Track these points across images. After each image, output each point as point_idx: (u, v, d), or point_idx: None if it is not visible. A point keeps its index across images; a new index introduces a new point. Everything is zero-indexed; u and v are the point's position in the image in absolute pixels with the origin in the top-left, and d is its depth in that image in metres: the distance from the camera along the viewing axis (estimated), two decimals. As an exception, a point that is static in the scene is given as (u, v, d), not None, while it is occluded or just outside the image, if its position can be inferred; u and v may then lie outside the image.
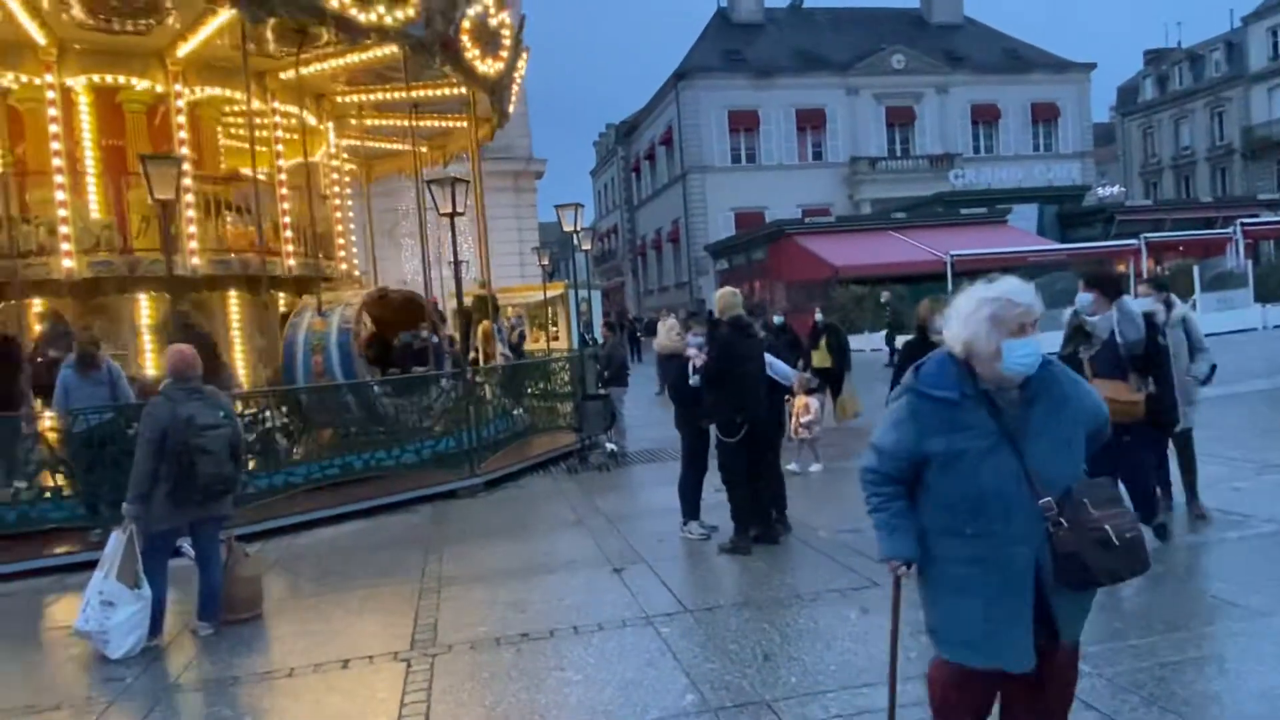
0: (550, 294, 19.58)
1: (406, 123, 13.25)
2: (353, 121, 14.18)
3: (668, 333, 7.30)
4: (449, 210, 10.10)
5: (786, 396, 7.48)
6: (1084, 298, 5.50)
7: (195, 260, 10.52)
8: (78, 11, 9.32)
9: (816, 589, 5.29)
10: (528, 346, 18.52)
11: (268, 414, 9.18)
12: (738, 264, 37.74)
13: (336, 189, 14.27)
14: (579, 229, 13.94)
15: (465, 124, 13.71)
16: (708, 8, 69.94)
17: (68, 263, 9.84)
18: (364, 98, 13.20)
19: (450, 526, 8.01)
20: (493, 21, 10.73)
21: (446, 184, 10.17)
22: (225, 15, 9.16)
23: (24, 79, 10.35)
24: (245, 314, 11.64)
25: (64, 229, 9.85)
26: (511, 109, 13.23)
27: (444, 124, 14.39)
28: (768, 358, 6.60)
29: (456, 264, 10.79)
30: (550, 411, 12.63)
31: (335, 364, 10.44)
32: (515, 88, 12.82)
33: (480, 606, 5.48)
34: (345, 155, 15.08)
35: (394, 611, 5.54)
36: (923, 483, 2.48)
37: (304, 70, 11.16)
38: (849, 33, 44.29)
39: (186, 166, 10.29)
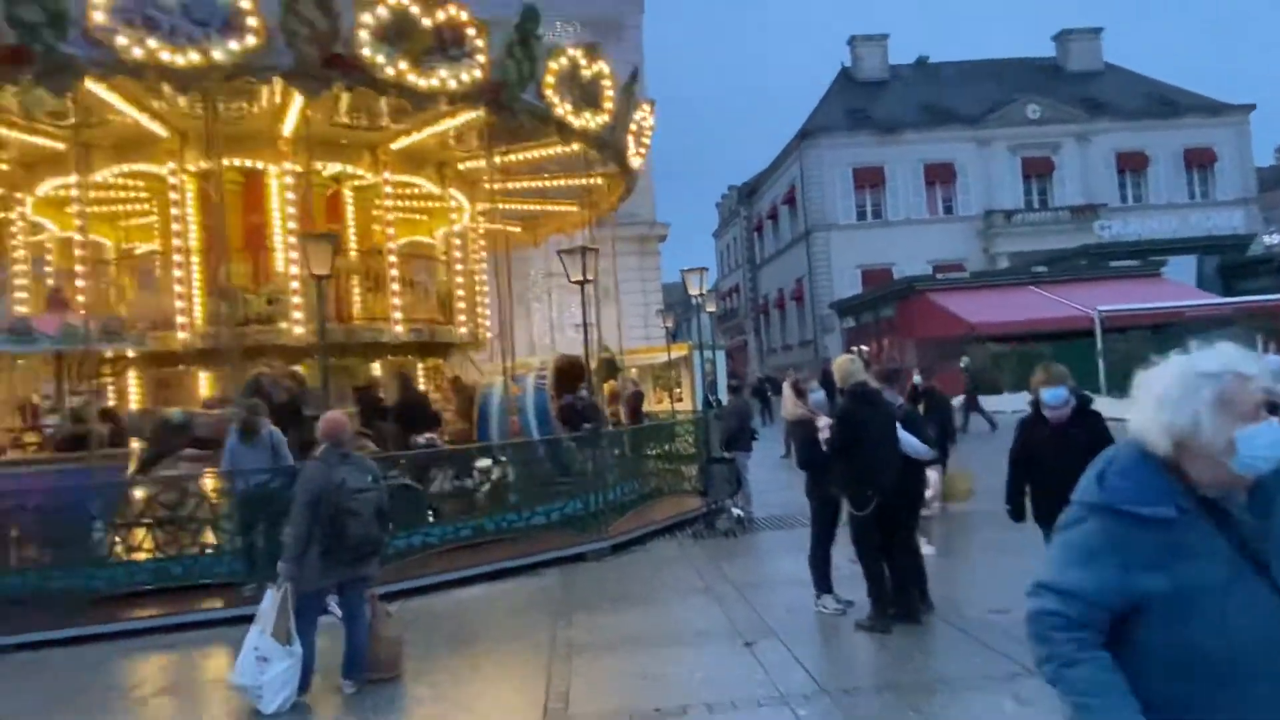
0: (674, 355, 19.72)
1: (542, 182, 13.91)
2: (487, 188, 14.91)
3: (791, 397, 7.17)
4: (580, 278, 10.39)
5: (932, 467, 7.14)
6: (1274, 360, 5.04)
7: (299, 330, 11.27)
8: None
9: (965, 674, 4.98)
10: (651, 408, 18.64)
11: (495, 466, 9.82)
12: (865, 322, 36.97)
13: (473, 255, 15.00)
14: (704, 292, 14.03)
15: (599, 180, 14.29)
16: (830, 68, 70.33)
17: (298, 329, 10.77)
18: (482, 163, 13.84)
19: (579, 591, 8.04)
20: (585, 74, 10.82)
21: (577, 253, 10.49)
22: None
23: (260, 165, 11.59)
24: (387, 376, 12.45)
25: (295, 299, 10.83)
26: (638, 164, 13.52)
27: (574, 182, 14.96)
28: (899, 431, 6.32)
29: (586, 328, 11.05)
30: (675, 474, 12.61)
31: (533, 425, 11.22)
32: (639, 143, 13.07)
33: (611, 676, 5.44)
34: (480, 220, 15.88)
35: (526, 679, 5.58)
36: (1126, 642, 1.76)
37: (409, 140, 11.90)
38: (978, 85, 43.36)
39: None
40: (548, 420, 11.36)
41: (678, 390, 19.89)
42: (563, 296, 17.10)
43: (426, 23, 9.00)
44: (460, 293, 14.20)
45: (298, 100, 9.90)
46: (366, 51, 8.69)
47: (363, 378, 12.23)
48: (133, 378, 12.03)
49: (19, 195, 12.20)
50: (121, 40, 7.81)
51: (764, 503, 11.73)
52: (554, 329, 16.10)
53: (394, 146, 12.16)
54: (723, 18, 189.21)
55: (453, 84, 9.29)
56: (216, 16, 8.06)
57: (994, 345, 25.71)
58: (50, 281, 10.74)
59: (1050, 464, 4.80)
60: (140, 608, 7.76)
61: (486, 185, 14.56)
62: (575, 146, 11.74)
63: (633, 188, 14.79)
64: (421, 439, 10.52)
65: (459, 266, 14.96)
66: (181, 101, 9.99)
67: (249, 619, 5.52)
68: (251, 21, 8.16)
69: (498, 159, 12.48)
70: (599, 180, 13.95)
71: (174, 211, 11.15)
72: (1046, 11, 72.81)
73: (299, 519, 5.31)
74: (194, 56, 8.03)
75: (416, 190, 13.73)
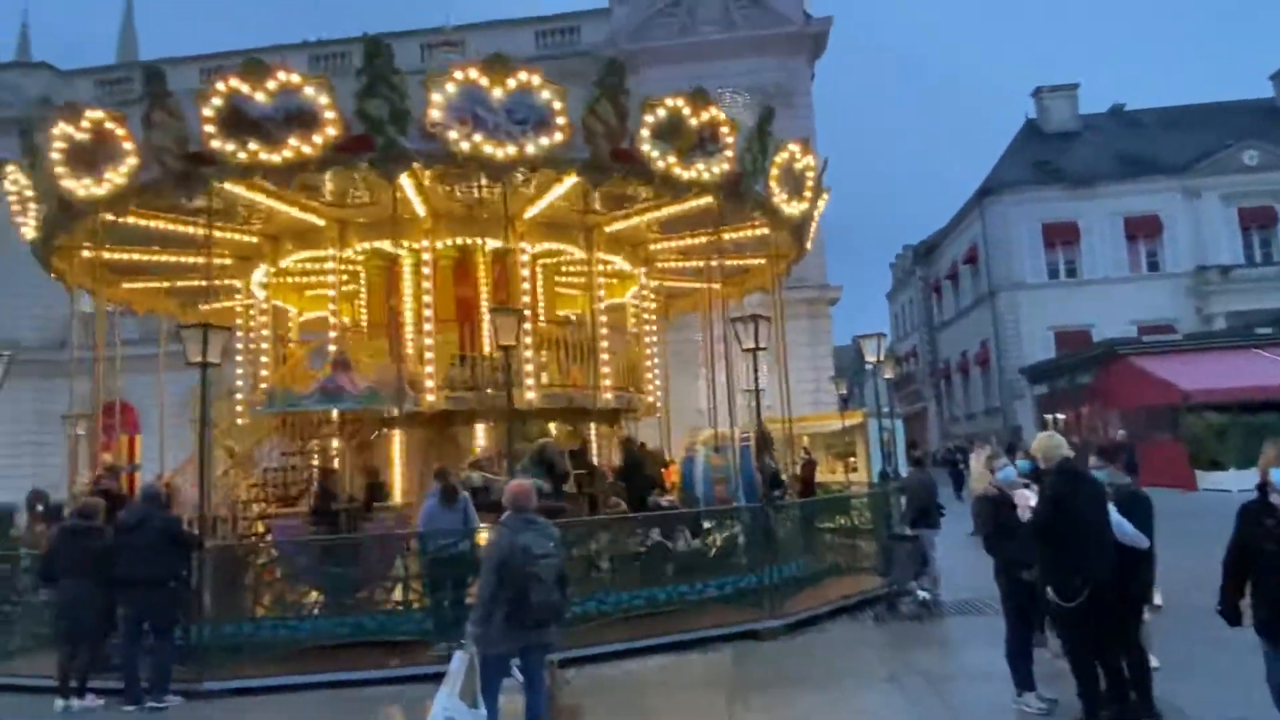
0: (848, 423, 19.13)
1: (709, 263, 14.07)
2: (659, 264, 15.29)
3: (980, 469, 6.72)
4: (751, 346, 10.36)
5: None
6: None
7: (530, 395, 11.85)
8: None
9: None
10: (823, 478, 18.08)
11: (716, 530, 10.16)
12: (1060, 388, 34.36)
13: (646, 326, 15.31)
14: (881, 358, 13.58)
15: (764, 260, 14.33)
16: (1011, 121, 67.54)
17: (430, 397, 11.47)
18: (674, 243, 14.23)
19: (753, 671, 7.80)
20: (798, 165, 11.28)
21: (749, 321, 10.48)
22: (569, 182, 10.53)
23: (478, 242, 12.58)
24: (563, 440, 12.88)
25: (429, 369, 11.54)
26: (810, 244, 13.53)
27: (744, 262, 15.04)
28: (1114, 515, 5.71)
29: (757, 396, 10.95)
30: (851, 551, 12.08)
31: (741, 492, 11.50)
32: (814, 224, 13.17)
33: (788, 769, 5.19)
34: (650, 294, 16.23)
35: (700, 762, 5.43)
36: None
37: (628, 223, 12.42)
38: (1183, 132, 40.06)
39: (526, 312, 11.74)
40: (754, 490, 11.34)
41: (852, 460, 19.23)
42: (729, 362, 17.11)
43: (693, 122, 10.06)
44: (604, 359, 14.40)
45: (560, 188, 10.91)
46: (645, 147, 9.81)
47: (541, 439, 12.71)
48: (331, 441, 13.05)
49: (254, 266, 13.73)
50: (452, 135, 8.92)
51: (952, 585, 10.96)
52: (720, 395, 16.06)
53: (609, 229, 12.90)
54: (895, 77, 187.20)
55: (706, 176, 10.18)
56: (533, 116, 9.12)
57: (1213, 415, 23.14)
58: (333, 348, 12.00)
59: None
60: (336, 660, 8.28)
61: (659, 263, 15.05)
62: (765, 230, 12.30)
63: (805, 241, 14.59)
64: (664, 500, 11.23)
65: (633, 333, 15.33)
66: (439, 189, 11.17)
67: (435, 677, 5.73)
68: (560, 120, 9.21)
69: (704, 238, 12.93)
70: (762, 260, 14.08)
71: (425, 284, 12.06)
72: (1261, 51, 66.77)
73: (486, 583, 5.47)
74: (510, 150, 9.12)
75: (568, 257, 14.17)
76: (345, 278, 13.39)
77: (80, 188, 9.48)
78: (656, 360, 15.98)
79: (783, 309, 13.42)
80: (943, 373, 49.97)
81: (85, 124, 9.31)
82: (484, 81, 8.95)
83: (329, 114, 8.70)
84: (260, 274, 13.42)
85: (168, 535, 7.91)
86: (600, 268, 13.61)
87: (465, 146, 8.96)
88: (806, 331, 26.38)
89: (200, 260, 12.69)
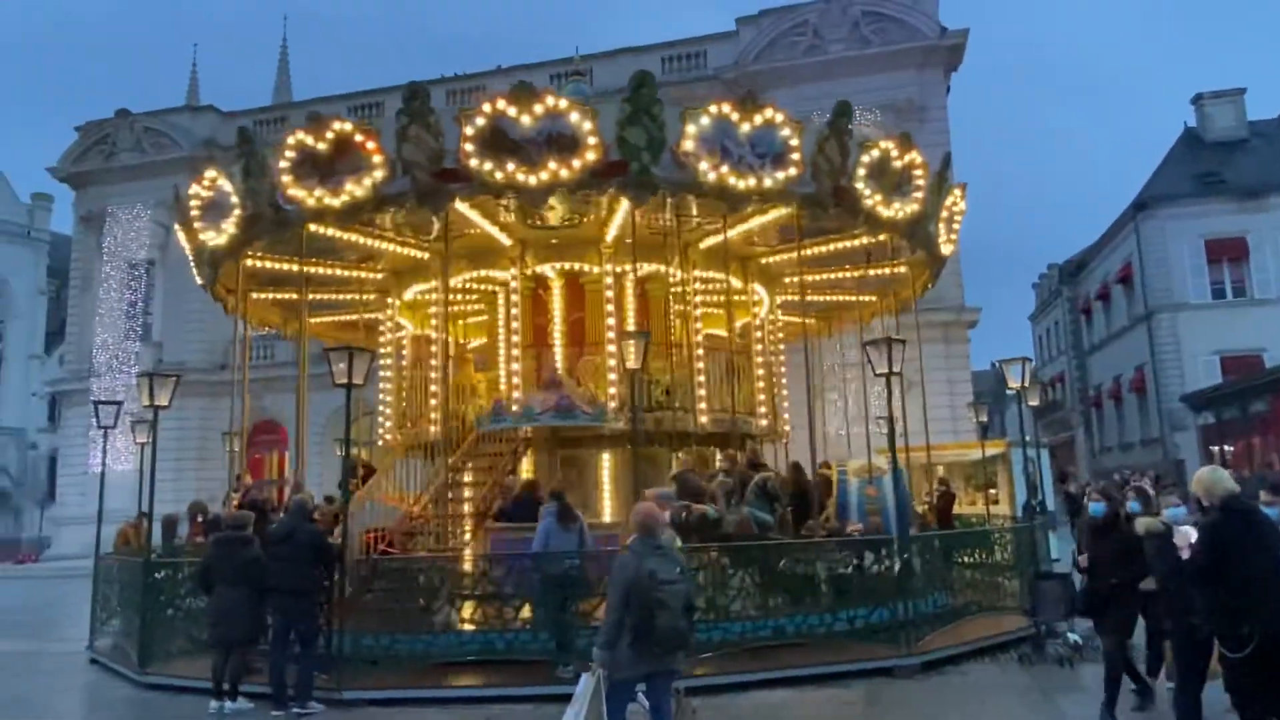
0: (990, 452, 18.12)
1: (843, 279, 13.81)
2: (786, 280, 15.03)
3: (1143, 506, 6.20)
4: (885, 370, 9.95)
5: None
6: None
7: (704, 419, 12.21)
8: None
9: None
10: (963, 510, 17.17)
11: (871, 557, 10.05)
12: (1228, 418, 31.50)
13: (774, 349, 15.10)
14: (1026, 385, 12.79)
15: (899, 277, 13.86)
16: (1167, 131, 63.12)
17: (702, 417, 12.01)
18: (786, 257, 13.94)
19: (887, 711, 7.42)
20: (896, 164, 10.73)
21: (883, 344, 10.08)
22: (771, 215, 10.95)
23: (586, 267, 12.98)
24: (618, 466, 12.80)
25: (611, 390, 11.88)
26: (948, 250, 12.96)
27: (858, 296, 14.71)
28: None
29: (892, 423, 10.50)
30: (993, 588, 11.36)
31: (893, 522, 11.08)
32: (949, 229, 12.57)
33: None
34: (779, 316, 15.99)
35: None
36: None
37: (715, 238, 12.35)
38: (1372, 135, 36.33)
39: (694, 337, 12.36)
40: (908, 519, 10.99)
41: (993, 492, 18.18)
42: (860, 388, 16.59)
43: (897, 164, 10.51)
44: (760, 384, 14.32)
45: (758, 220, 11.30)
46: (859, 185, 10.25)
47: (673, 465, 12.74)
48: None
49: (389, 299, 14.43)
50: (702, 165, 9.36)
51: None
52: (850, 421, 15.55)
53: (702, 246, 12.80)
54: (1038, 86, 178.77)
55: (900, 215, 10.21)
56: (773, 151, 9.61)
57: None
58: (557, 370, 12.56)
59: None
60: (463, 676, 8.43)
61: (787, 279, 14.77)
62: (882, 237, 11.64)
63: (939, 274, 14.15)
64: (850, 528, 11.47)
65: (759, 359, 15.13)
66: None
67: (563, 698, 5.70)
68: (795, 155, 9.69)
69: (805, 252, 12.65)
70: (902, 269, 13.56)
71: (608, 306, 12.41)
72: None
73: (612, 607, 5.43)
74: (750, 182, 9.52)
75: (719, 285, 14.20)
76: (483, 301, 13.88)
77: (311, 197, 9.74)
78: (785, 383, 15.73)
79: (918, 332, 12.92)
80: (1093, 400, 46.80)
81: (330, 135, 9.52)
82: (734, 116, 9.38)
83: (591, 139, 9.11)
84: (411, 293, 13.94)
85: (314, 547, 8.31)
86: (735, 295, 13.63)
87: (712, 177, 9.35)
88: (942, 356, 25.29)
89: (353, 275, 13.46)
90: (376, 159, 9.43)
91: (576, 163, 9.13)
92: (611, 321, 12.22)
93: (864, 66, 27.13)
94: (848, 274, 14.08)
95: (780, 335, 15.89)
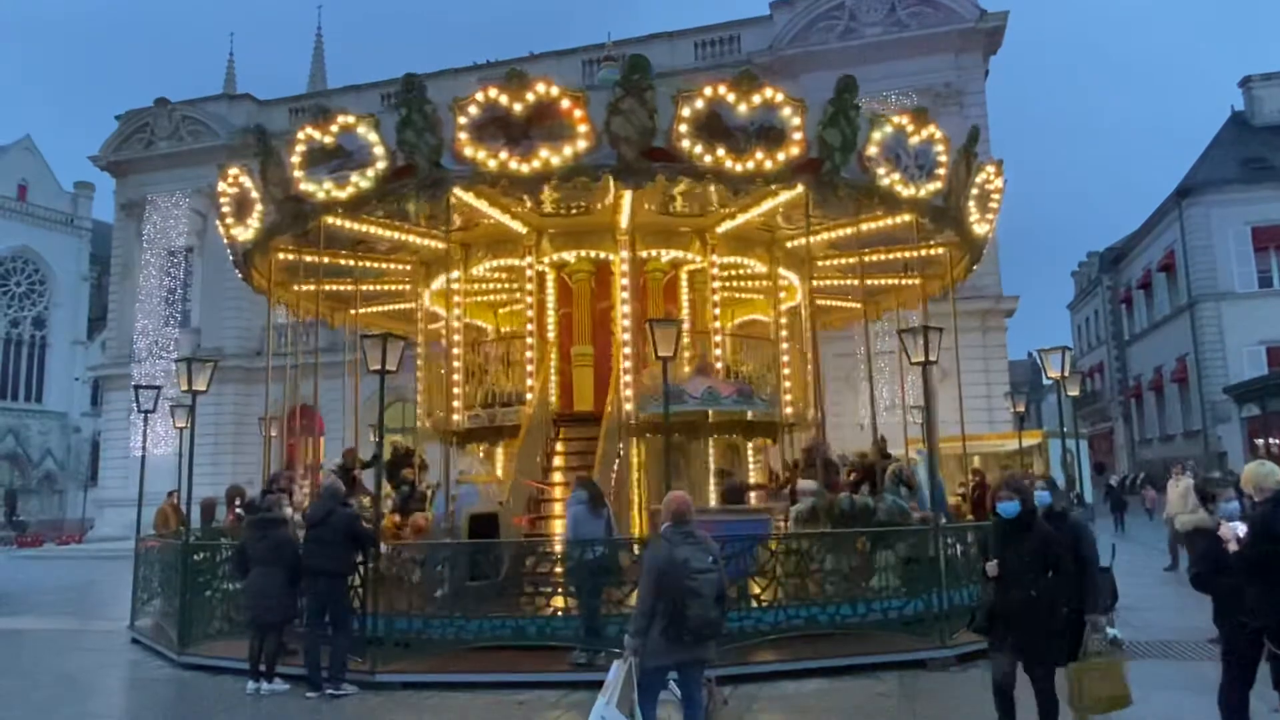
0: (1027, 443, 17.84)
1: (877, 263, 13.63)
2: (819, 265, 14.86)
3: (1182, 500, 6.04)
4: (921, 359, 9.79)
5: None
6: None
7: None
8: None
9: None
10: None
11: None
12: (1273, 410, 30.71)
13: (807, 337, 14.92)
14: (1066, 374, 12.53)
15: (938, 262, 13.64)
16: (1212, 115, 61.45)
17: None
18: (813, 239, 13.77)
19: (922, 704, 7.31)
20: (914, 140, 10.56)
21: (919, 332, 9.91)
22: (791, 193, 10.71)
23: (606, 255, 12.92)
24: (719, 453, 12.81)
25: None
26: (984, 230, 12.72)
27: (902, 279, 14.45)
28: None
29: (928, 412, 10.35)
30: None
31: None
32: (984, 208, 12.38)
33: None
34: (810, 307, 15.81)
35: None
36: None
37: (733, 222, 12.33)
38: None
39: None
40: (945, 509, 11.07)
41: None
42: (894, 376, 16.37)
43: (913, 140, 10.23)
44: (787, 371, 14.19)
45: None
46: (871, 164, 9.97)
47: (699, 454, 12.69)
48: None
49: (419, 289, 14.51)
50: (697, 149, 9.22)
51: (1143, 623, 9.96)
52: (884, 410, 15.35)
53: (720, 230, 12.67)
54: (1078, 69, 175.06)
55: (921, 194, 9.93)
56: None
57: None
58: (693, 355, 12.90)
59: None
60: (498, 661, 8.46)
61: (819, 262, 14.57)
62: (906, 217, 11.37)
63: (979, 258, 13.84)
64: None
65: (785, 345, 14.97)
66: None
67: (594, 684, 5.70)
68: (797, 135, 9.43)
69: (826, 234, 12.46)
70: (940, 251, 13.27)
71: (623, 295, 12.27)
72: None
73: (644, 595, 5.41)
74: (750, 165, 9.42)
75: (746, 271, 14.07)
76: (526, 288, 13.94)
77: (320, 190, 9.87)
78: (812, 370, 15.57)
79: (955, 320, 12.69)
80: (1133, 391, 45.92)
81: (335, 128, 9.64)
82: (731, 97, 9.24)
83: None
84: (439, 283, 14.00)
85: (348, 530, 8.38)
86: (765, 282, 13.57)
87: (708, 160, 9.27)
88: (978, 346, 24.90)
89: (384, 266, 13.54)
90: (379, 150, 9.51)
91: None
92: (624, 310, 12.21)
93: (900, 50, 26.69)
94: (881, 257, 13.80)
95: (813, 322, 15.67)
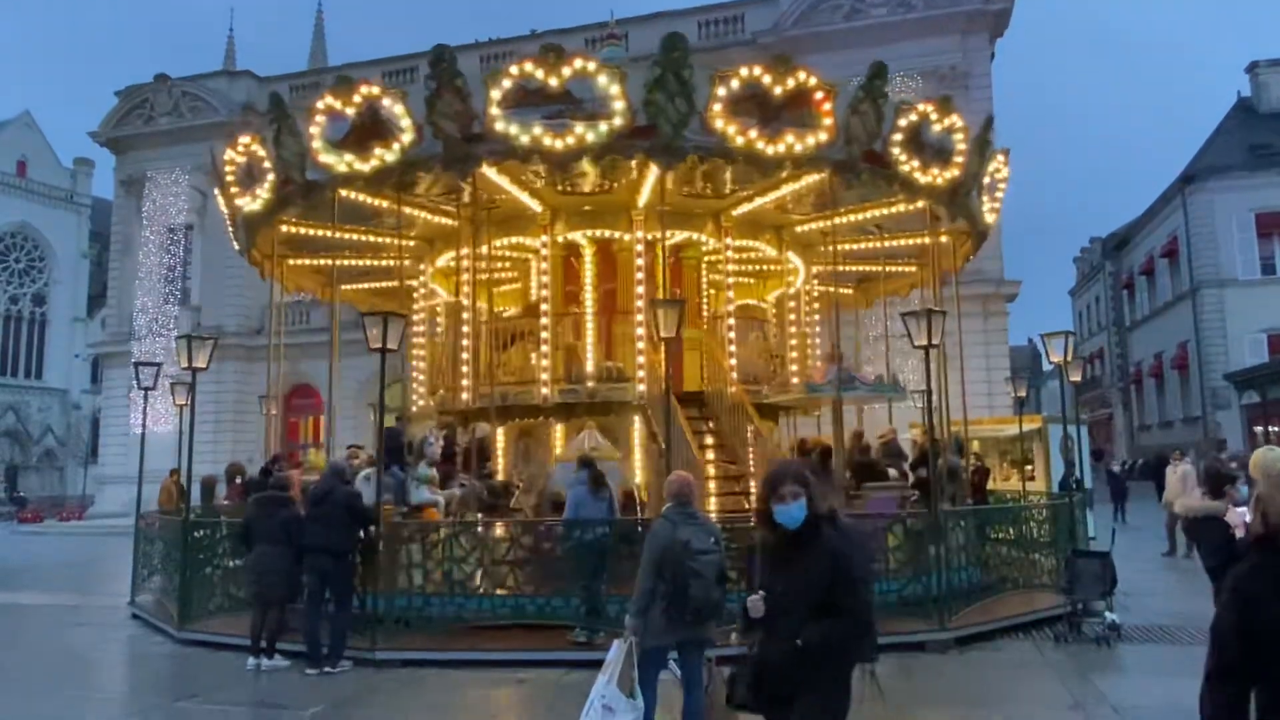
0: (1027, 427, 17.81)
1: (882, 248, 13.58)
2: (822, 249, 14.77)
3: (1180, 485, 6.02)
4: (924, 342, 9.75)
5: None
6: None
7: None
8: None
9: None
10: (998, 485, 16.94)
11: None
12: (1274, 397, 30.73)
13: (809, 320, 14.90)
14: (1068, 359, 12.50)
15: (940, 247, 13.55)
16: (1218, 101, 60.99)
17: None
18: (822, 225, 13.67)
19: (921, 685, 7.35)
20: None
21: (922, 315, 9.87)
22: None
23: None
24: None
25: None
26: (991, 219, 12.66)
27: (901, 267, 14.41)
28: None
29: (930, 396, 10.32)
30: (1028, 565, 11.19)
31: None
32: (992, 197, 12.26)
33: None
34: (816, 289, 15.76)
35: (864, 780, 5.10)
36: None
37: (747, 206, 12.18)
38: None
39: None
40: (939, 492, 11.26)
41: (1029, 468, 17.89)
42: (896, 360, 16.33)
43: (936, 128, 10.13)
44: (794, 354, 14.17)
45: (651, 179, 10.74)
46: (895, 151, 9.88)
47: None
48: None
49: (422, 266, 14.40)
50: (732, 130, 9.17)
51: (1142, 609, 10.01)
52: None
53: (735, 213, 12.56)
54: (1082, 57, 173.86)
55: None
56: (804, 115, 9.48)
57: None
58: (823, 344, 13.50)
59: None
60: (497, 640, 8.49)
61: (823, 247, 14.50)
62: (920, 204, 11.35)
63: (981, 244, 13.82)
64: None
65: (792, 329, 14.96)
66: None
67: (594, 664, 5.71)
68: (827, 120, 9.44)
69: (839, 220, 12.40)
70: (944, 238, 13.24)
71: (638, 275, 12.20)
72: None
73: (644, 574, 5.42)
74: (781, 148, 9.33)
75: (754, 254, 14.03)
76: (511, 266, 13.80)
77: (341, 163, 9.67)
78: (818, 354, 15.53)
79: (958, 304, 12.67)
80: (1133, 377, 45.95)
81: (358, 99, 9.41)
82: (766, 79, 9.18)
83: (618, 103, 9.07)
84: (444, 260, 13.87)
85: (349, 508, 8.38)
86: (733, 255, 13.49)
87: (740, 141, 9.19)
88: (980, 331, 24.85)
89: (386, 241, 13.42)
90: (405, 123, 9.32)
91: (603, 127, 8.96)
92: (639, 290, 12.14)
93: (906, 32, 26.44)
94: (886, 243, 13.77)
95: (816, 305, 15.66)
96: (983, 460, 16.49)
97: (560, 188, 11.54)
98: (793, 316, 15.37)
